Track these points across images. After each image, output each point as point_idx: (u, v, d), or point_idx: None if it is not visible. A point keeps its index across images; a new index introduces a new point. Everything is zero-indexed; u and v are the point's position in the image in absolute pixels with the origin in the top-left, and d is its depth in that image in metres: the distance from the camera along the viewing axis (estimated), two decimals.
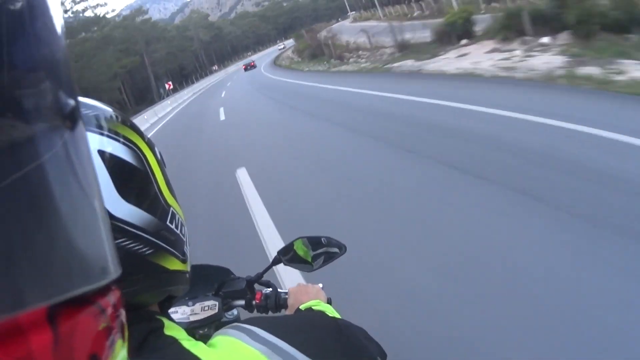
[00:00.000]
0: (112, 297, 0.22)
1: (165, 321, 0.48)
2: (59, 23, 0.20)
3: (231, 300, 1.03)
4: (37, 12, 0.19)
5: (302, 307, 0.79)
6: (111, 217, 0.43)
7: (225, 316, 1.00)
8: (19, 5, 0.17)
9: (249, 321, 0.50)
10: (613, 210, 2.81)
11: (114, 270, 0.22)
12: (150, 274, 0.48)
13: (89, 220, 0.21)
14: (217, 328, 0.78)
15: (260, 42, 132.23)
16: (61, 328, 0.17)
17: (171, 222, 0.51)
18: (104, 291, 0.21)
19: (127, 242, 0.45)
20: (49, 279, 0.17)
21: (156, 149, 0.54)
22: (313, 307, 0.77)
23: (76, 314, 0.19)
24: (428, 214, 3.42)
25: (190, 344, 0.44)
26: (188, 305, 0.94)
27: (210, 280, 1.02)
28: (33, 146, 0.17)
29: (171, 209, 0.52)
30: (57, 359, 0.17)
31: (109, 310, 0.21)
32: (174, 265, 0.51)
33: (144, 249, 0.46)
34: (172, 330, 0.47)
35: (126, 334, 0.24)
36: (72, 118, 0.20)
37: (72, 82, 0.21)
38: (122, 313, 0.24)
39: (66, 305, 0.18)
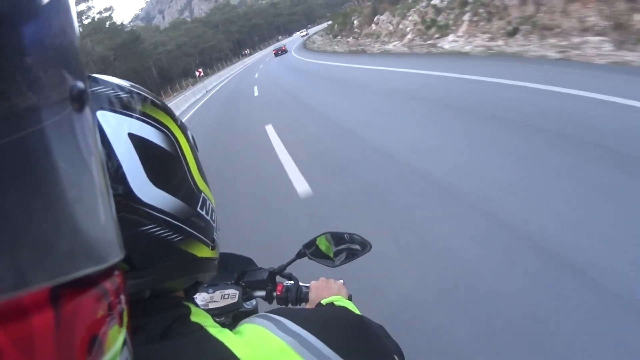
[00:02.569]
0: (116, 280, 0.22)
1: (192, 307, 0.48)
2: (73, 10, 0.21)
3: (251, 290, 1.02)
4: None
5: (323, 302, 0.80)
6: (140, 202, 0.43)
7: (244, 306, 0.99)
8: None
9: (276, 311, 0.50)
10: None
11: (117, 253, 0.23)
12: (178, 261, 0.47)
13: (93, 203, 0.21)
14: (235, 317, 0.93)
15: (207, 62, 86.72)
16: (63, 309, 0.18)
17: (202, 208, 0.50)
18: (107, 273, 0.21)
19: (155, 229, 0.44)
20: (53, 260, 0.18)
21: (189, 133, 0.53)
22: (335, 303, 0.78)
23: (79, 296, 0.19)
24: None
25: (217, 331, 0.44)
26: (208, 292, 0.93)
27: (232, 269, 1.02)
28: (40, 126, 0.17)
29: (202, 194, 0.51)
30: (59, 340, 0.17)
31: (112, 293, 0.22)
32: (203, 252, 0.51)
33: (173, 236, 0.46)
34: (198, 316, 0.47)
35: (125, 319, 0.24)
36: (79, 100, 0.20)
37: (82, 67, 0.21)
38: (123, 299, 0.24)
39: (69, 286, 0.18)
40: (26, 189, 0.17)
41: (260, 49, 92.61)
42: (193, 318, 0.46)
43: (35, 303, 0.16)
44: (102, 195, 0.22)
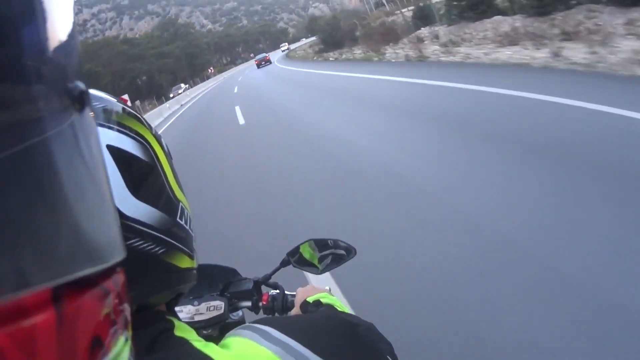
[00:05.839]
0: (117, 280, 0.22)
1: (176, 322, 0.47)
2: (69, 6, 0.21)
3: (237, 301, 1.01)
4: None
5: (309, 299, 0.80)
6: (122, 216, 0.42)
7: (230, 317, 0.98)
8: None
9: (261, 321, 0.49)
10: None
11: (119, 252, 0.23)
12: (162, 274, 0.47)
13: (94, 202, 0.21)
14: (222, 328, 0.92)
15: None
16: (65, 309, 0.18)
17: (181, 218, 0.50)
18: (108, 273, 0.21)
19: (138, 242, 0.43)
20: (54, 260, 0.18)
21: (163, 142, 0.53)
22: (321, 300, 0.78)
23: (80, 296, 0.19)
24: None
25: (202, 345, 0.44)
26: (193, 305, 0.92)
27: (216, 280, 1.02)
28: (40, 123, 0.17)
29: (180, 204, 0.51)
30: (61, 340, 0.17)
31: (114, 294, 0.22)
32: (185, 263, 0.50)
33: (156, 249, 0.45)
34: (182, 331, 0.46)
35: (128, 320, 0.24)
36: (80, 101, 0.20)
37: (81, 67, 0.22)
38: (127, 308, 0.24)
39: (70, 286, 0.18)
40: (27, 190, 0.17)
41: None
42: (177, 332, 0.45)
43: (37, 304, 0.16)
44: (103, 195, 0.22)
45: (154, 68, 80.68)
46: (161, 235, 0.45)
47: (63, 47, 0.20)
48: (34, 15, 0.18)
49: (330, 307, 0.74)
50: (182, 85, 46.53)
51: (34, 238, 0.17)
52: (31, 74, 0.17)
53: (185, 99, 31.62)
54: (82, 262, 0.19)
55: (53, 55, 0.19)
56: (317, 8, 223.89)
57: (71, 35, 0.20)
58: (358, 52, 19.83)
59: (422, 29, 17.02)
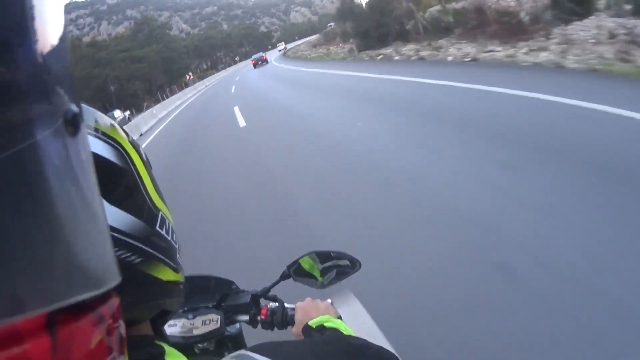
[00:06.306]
0: (112, 305, 0.22)
1: (166, 347, 0.46)
2: (61, 28, 0.20)
3: (234, 314, 0.96)
4: (39, 15, 0.18)
5: (311, 323, 0.77)
6: None
7: (227, 330, 0.94)
8: (21, 7, 0.17)
9: (259, 349, 0.46)
10: None
11: (114, 277, 0.22)
12: (141, 286, 0.45)
13: (89, 226, 0.21)
14: (218, 342, 0.90)
15: None
16: (60, 334, 0.17)
17: (161, 227, 0.48)
18: (103, 298, 0.21)
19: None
20: (48, 285, 0.17)
21: (141, 150, 0.51)
22: (324, 324, 0.74)
23: (75, 321, 0.19)
24: None
25: None
26: (188, 319, 0.89)
27: (212, 292, 0.98)
28: (34, 150, 0.17)
29: (160, 213, 0.49)
30: None
31: (108, 318, 0.21)
32: (167, 275, 0.47)
33: (132, 257, 0.43)
34: (173, 357, 0.45)
35: (125, 345, 0.24)
36: (74, 124, 0.20)
37: (75, 89, 0.21)
38: (122, 325, 0.24)
39: (65, 311, 0.18)
40: (22, 214, 0.17)
41: None
42: (168, 359, 0.43)
43: (31, 329, 0.16)
44: (97, 218, 0.22)
45: (124, 74, 69.61)
46: (138, 244, 0.43)
47: (57, 69, 0.19)
48: (28, 37, 0.17)
49: (334, 331, 0.72)
50: (117, 113, 34.06)
51: (28, 263, 0.16)
52: (23, 98, 0.17)
53: (144, 127, 18.70)
54: (77, 287, 0.19)
55: (46, 78, 0.18)
56: (298, 12, 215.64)
57: (65, 57, 0.20)
58: (498, 49, 9.99)
59: (587, 19, 9.53)
